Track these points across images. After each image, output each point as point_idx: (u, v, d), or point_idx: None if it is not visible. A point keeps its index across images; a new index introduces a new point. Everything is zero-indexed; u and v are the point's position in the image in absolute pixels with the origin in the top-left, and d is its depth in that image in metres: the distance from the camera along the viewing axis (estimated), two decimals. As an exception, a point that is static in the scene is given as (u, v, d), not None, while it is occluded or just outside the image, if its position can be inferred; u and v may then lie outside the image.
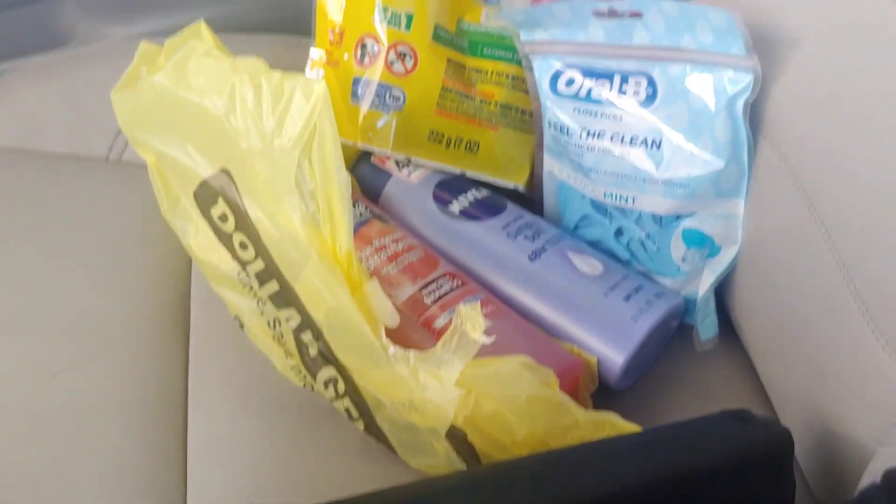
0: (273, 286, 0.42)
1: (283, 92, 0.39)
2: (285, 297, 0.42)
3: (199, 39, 0.44)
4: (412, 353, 0.39)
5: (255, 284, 0.43)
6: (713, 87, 0.48)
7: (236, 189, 0.41)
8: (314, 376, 0.44)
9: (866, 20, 0.39)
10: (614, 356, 0.49)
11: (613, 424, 0.41)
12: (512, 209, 0.56)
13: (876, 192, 0.38)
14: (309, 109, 0.37)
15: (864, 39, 0.39)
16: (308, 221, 0.38)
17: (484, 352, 0.39)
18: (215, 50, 0.42)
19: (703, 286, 0.53)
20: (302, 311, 0.41)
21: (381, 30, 0.57)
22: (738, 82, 0.47)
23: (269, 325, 0.45)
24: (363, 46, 0.58)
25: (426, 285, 0.50)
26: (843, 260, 0.39)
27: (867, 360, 0.37)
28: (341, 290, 0.38)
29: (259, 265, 0.42)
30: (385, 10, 0.57)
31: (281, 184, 0.38)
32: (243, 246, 0.42)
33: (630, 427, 0.41)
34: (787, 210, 0.45)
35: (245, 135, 0.40)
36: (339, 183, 0.37)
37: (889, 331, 0.36)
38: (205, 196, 0.43)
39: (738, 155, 0.48)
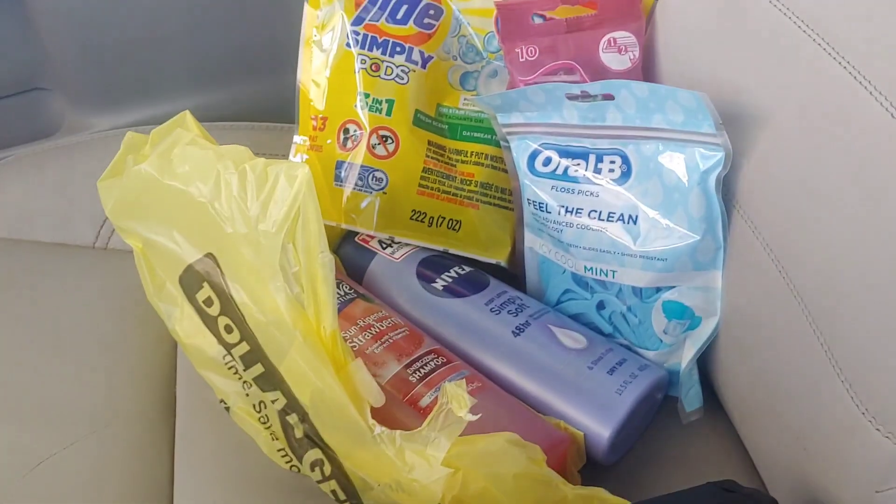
0: (258, 369, 0.42)
1: (267, 177, 0.40)
2: (271, 380, 0.42)
3: (184, 129, 0.45)
4: (398, 433, 0.39)
5: (241, 367, 0.44)
6: (685, 163, 0.49)
7: (221, 273, 0.42)
8: (300, 458, 0.44)
9: (830, 101, 0.40)
10: (600, 430, 0.49)
11: (602, 500, 0.41)
12: (495, 285, 0.57)
13: (847, 263, 0.38)
14: (293, 194, 0.38)
15: (828, 119, 0.40)
16: (293, 303, 0.39)
17: (471, 429, 0.39)
18: (200, 138, 0.44)
19: (686, 358, 0.53)
20: (287, 393, 0.41)
21: (363, 116, 0.59)
22: (710, 158, 0.48)
23: (254, 407, 0.44)
24: (346, 131, 0.59)
25: (411, 363, 0.50)
26: (820, 331, 0.40)
27: (849, 429, 0.37)
28: (326, 371, 0.38)
29: (244, 348, 0.42)
30: (367, 96, 0.59)
31: (266, 267, 0.39)
32: (228, 329, 0.43)
33: (618, 502, 0.40)
34: (763, 282, 0.45)
35: (230, 220, 0.41)
36: (323, 264, 0.38)
37: (869, 400, 0.36)
38: (190, 281, 0.43)
39: (713, 228, 0.49)
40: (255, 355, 0.42)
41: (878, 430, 0.35)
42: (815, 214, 0.41)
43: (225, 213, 0.41)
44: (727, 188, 0.49)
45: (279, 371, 0.41)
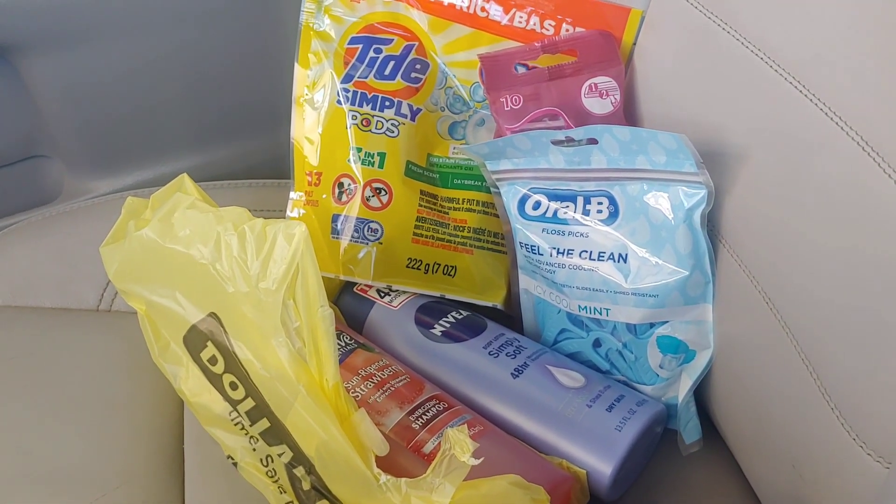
0: (264, 423, 0.43)
1: (266, 237, 0.41)
2: (276, 434, 0.42)
3: (183, 191, 0.47)
4: (403, 481, 0.39)
5: (247, 423, 0.44)
6: (670, 201, 0.50)
7: (224, 332, 0.43)
8: None
9: (803, 137, 0.41)
10: (602, 467, 0.49)
11: None
12: (492, 328, 0.57)
13: (831, 293, 0.39)
14: (291, 252, 0.39)
15: (802, 153, 0.41)
16: (295, 358, 0.39)
17: (474, 473, 0.39)
18: (199, 201, 0.45)
19: (682, 391, 0.53)
20: (293, 446, 0.42)
21: (357, 169, 0.60)
22: (693, 196, 0.49)
23: (262, 462, 0.45)
24: (340, 185, 0.61)
25: (413, 410, 0.50)
26: (808, 359, 0.41)
27: (842, 455, 0.37)
28: (330, 423, 0.39)
29: (249, 403, 0.43)
30: (359, 150, 0.60)
31: (267, 324, 0.40)
32: (233, 386, 0.43)
33: None
34: (752, 313, 0.46)
35: (231, 280, 0.42)
36: (323, 318, 0.39)
37: (859, 425, 0.37)
38: (194, 340, 0.44)
39: (701, 263, 0.50)
40: (260, 411, 0.42)
41: (869, 454, 0.36)
42: (795, 245, 0.42)
43: (226, 273, 0.42)
44: (712, 224, 0.50)
45: (284, 425, 0.41)
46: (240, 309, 0.42)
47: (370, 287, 0.61)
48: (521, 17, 0.61)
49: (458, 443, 0.38)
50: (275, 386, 0.41)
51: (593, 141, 0.52)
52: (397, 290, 0.60)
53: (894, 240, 0.35)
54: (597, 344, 0.56)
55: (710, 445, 0.55)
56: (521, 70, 0.59)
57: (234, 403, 0.44)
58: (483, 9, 0.61)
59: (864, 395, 0.37)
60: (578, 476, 0.49)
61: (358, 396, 0.51)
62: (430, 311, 0.59)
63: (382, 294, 0.60)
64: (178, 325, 0.45)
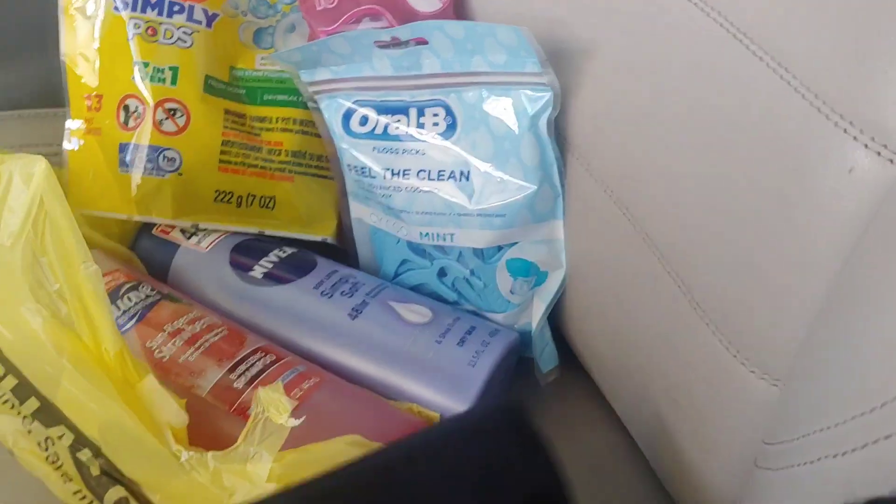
0: (34, 403, 0.36)
1: None
2: (51, 414, 0.36)
3: None
4: (210, 455, 0.35)
5: (16, 402, 0.37)
6: (513, 108, 0.47)
7: None
8: (101, 499, 0.38)
9: (658, 22, 0.38)
10: (457, 407, 0.46)
11: None
12: (323, 265, 0.53)
13: (695, 195, 0.36)
14: (30, 196, 0.31)
15: (654, 34, 0.38)
16: (53, 327, 0.32)
17: (315, 430, 0.36)
18: None
19: (536, 316, 0.51)
20: (72, 427, 0.35)
21: (144, 88, 0.53)
22: (538, 100, 0.46)
23: (39, 446, 0.38)
24: (126, 108, 0.53)
25: (234, 367, 0.45)
26: (675, 272, 0.38)
27: (722, 375, 0.35)
28: (109, 398, 0.33)
29: (12, 381, 0.35)
30: (146, 65, 0.53)
31: (10, 289, 0.32)
32: (-11, 362, 0.35)
33: None
34: (608, 227, 0.43)
35: None
36: (89, 276, 0.32)
37: (738, 340, 0.34)
38: None
39: (550, 176, 0.47)
40: (25, 389, 0.35)
41: (752, 371, 0.33)
42: (654, 149, 0.39)
43: None
44: (560, 131, 0.47)
45: (54, 404, 0.34)
46: None
47: (172, 227, 0.55)
48: None
49: (273, 402, 0.34)
50: (34, 361, 0.33)
51: (422, 41, 0.47)
52: (206, 229, 0.54)
53: (758, 121, 0.33)
54: (442, 273, 0.53)
55: (570, 372, 0.53)
56: (335, -37, 0.53)
57: (-6, 381, 0.36)
58: None
59: (741, 305, 0.34)
60: (431, 420, 0.46)
61: (165, 357, 0.45)
62: (247, 251, 0.53)
63: (188, 235, 0.54)
64: None
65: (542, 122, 0.46)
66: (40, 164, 0.32)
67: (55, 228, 0.32)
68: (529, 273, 0.50)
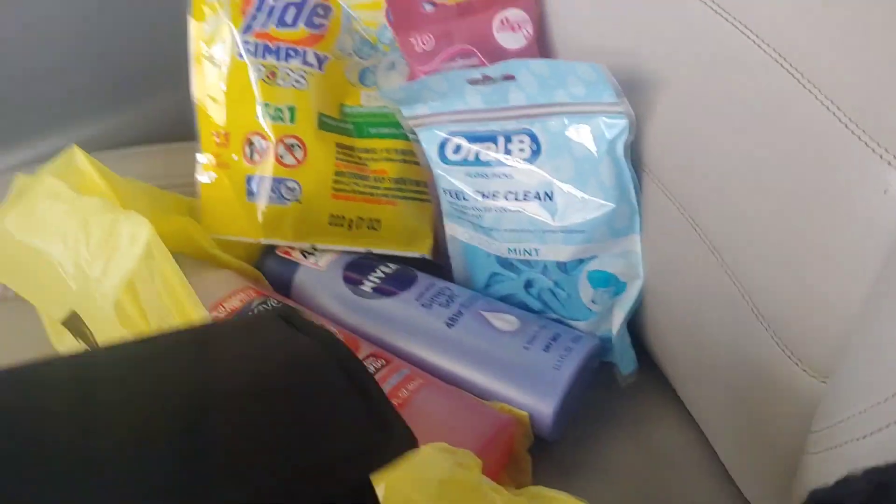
0: None
1: (112, 234, 0.38)
2: None
3: (74, 164, 0.43)
4: None
5: None
6: (592, 134, 0.49)
7: (87, 328, 0.40)
8: None
9: (719, 56, 0.41)
10: (543, 407, 0.49)
11: (539, 496, 0.40)
12: (423, 279, 0.56)
13: (751, 208, 0.39)
14: (135, 255, 0.36)
15: (717, 73, 0.41)
16: None
17: (420, 426, 0.36)
18: (64, 187, 0.41)
19: (616, 324, 0.54)
20: None
21: (266, 125, 0.57)
22: (615, 127, 0.48)
23: None
24: (251, 144, 0.58)
25: None
26: (738, 280, 0.41)
27: (776, 372, 0.38)
28: None
29: None
30: (267, 105, 0.58)
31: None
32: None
33: (555, 494, 0.40)
34: (680, 240, 0.46)
35: (75, 279, 0.39)
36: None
37: (791, 341, 0.37)
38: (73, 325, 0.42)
39: (626, 194, 0.50)
40: None
41: (804, 371, 0.36)
42: (715, 165, 0.42)
43: (70, 270, 0.39)
44: (635, 153, 0.50)
45: None
46: (88, 310, 0.39)
47: (293, 248, 0.59)
48: (424, -47, 0.58)
49: None
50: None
51: (510, 77, 0.51)
52: (322, 250, 0.58)
53: (807, 146, 0.35)
54: (528, 285, 0.56)
55: (648, 375, 0.55)
56: (429, 8, 0.57)
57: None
58: (384, -54, 0.59)
59: (794, 310, 0.37)
60: (521, 418, 0.49)
61: (291, 362, 0.49)
62: (358, 268, 0.57)
63: (307, 255, 0.59)
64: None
65: (619, 146, 0.49)
66: (146, 227, 0.36)
67: (166, 282, 0.36)
68: (609, 284, 0.53)
